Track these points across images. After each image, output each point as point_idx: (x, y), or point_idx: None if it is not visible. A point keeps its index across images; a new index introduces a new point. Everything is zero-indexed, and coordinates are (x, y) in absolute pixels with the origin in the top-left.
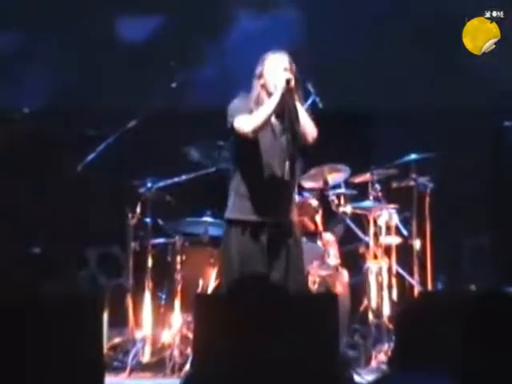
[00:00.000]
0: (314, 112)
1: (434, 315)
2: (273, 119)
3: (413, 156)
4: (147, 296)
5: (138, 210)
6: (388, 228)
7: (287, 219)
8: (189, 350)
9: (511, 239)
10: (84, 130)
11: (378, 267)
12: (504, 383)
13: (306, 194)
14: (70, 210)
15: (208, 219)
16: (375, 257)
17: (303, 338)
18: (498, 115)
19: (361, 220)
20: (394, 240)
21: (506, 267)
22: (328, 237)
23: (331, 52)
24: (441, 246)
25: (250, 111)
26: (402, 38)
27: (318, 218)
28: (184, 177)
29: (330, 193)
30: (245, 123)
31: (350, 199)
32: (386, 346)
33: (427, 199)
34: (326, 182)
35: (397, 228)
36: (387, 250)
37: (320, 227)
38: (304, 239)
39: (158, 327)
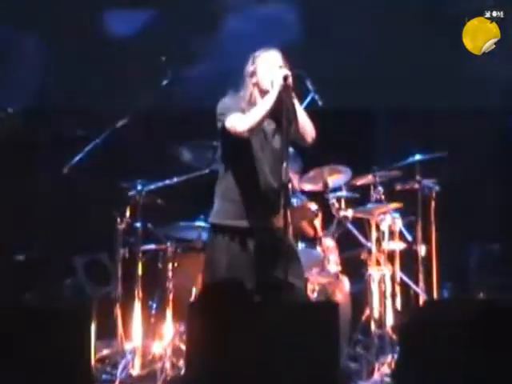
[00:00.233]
0: (313, 110)
1: (440, 325)
2: (268, 119)
3: (417, 157)
4: (137, 305)
5: (128, 214)
6: (391, 233)
7: (278, 224)
8: (181, 363)
9: None
10: (71, 129)
11: (381, 274)
12: None
13: (305, 198)
14: (55, 214)
15: (201, 224)
16: (378, 263)
17: (302, 349)
18: (506, 115)
19: (362, 224)
20: (398, 246)
21: None
22: (328, 242)
23: (331, 48)
24: (447, 251)
25: (242, 111)
26: (405, 33)
27: (318, 223)
28: (176, 179)
29: (330, 196)
30: (239, 122)
31: (351, 202)
32: (389, 358)
33: (432, 202)
34: (325, 185)
35: (400, 233)
36: (390, 257)
37: (319, 232)
38: (303, 245)
39: (149, 338)
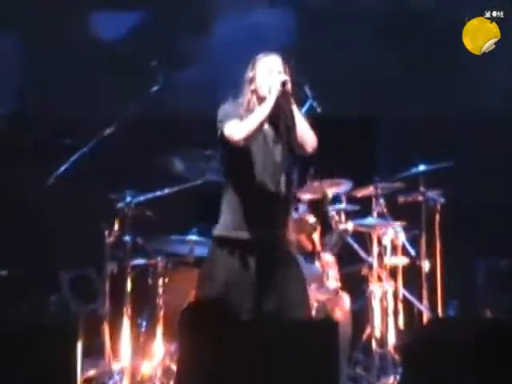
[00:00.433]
0: (311, 117)
1: (445, 345)
2: (265, 126)
3: (421, 167)
4: (126, 323)
5: (116, 227)
6: (394, 247)
7: (282, 238)
8: None
9: None
10: (56, 137)
11: (383, 291)
12: None
13: (303, 210)
14: (39, 226)
15: (194, 238)
16: (379, 279)
17: (300, 368)
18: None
19: (363, 238)
20: (401, 261)
21: None
22: (327, 257)
23: (331, 52)
24: (453, 267)
25: (241, 118)
26: (407, 39)
27: (316, 237)
28: (167, 190)
29: (330, 208)
30: (236, 130)
31: (352, 215)
32: (391, 379)
33: (437, 215)
34: (325, 197)
35: (403, 247)
36: (393, 272)
37: (318, 246)
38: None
39: (138, 358)
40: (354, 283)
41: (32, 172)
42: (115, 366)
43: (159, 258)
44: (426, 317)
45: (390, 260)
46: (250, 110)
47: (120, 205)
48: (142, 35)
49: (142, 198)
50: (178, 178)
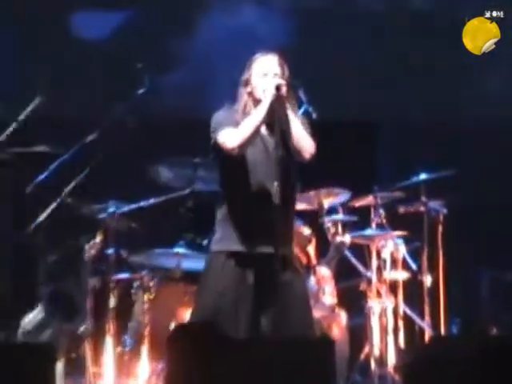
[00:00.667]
0: (310, 123)
1: (447, 364)
2: (264, 132)
3: (423, 176)
4: (109, 341)
5: (98, 239)
6: (394, 261)
7: (283, 251)
8: None
9: None
10: (34, 144)
11: (382, 307)
12: None
13: (297, 221)
14: (16, 238)
15: (181, 250)
16: (379, 295)
17: None
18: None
19: (362, 251)
20: (401, 275)
21: None
22: (323, 271)
23: (328, 54)
24: (456, 282)
25: (237, 124)
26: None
27: (311, 250)
28: (153, 200)
29: (326, 219)
30: (229, 137)
31: (349, 227)
32: None
33: (440, 227)
34: (320, 207)
35: (404, 261)
36: (393, 287)
37: (313, 260)
38: None
39: (122, 378)
40: (352, 299)
41: (10, 180)
42: None
43: (144, 273)
44: (427, 335)
45: (389, 274)
46: (246, 115)
47: (102, 215)
48: (127, 35)
49: (125, 209)
50: (164, 187)
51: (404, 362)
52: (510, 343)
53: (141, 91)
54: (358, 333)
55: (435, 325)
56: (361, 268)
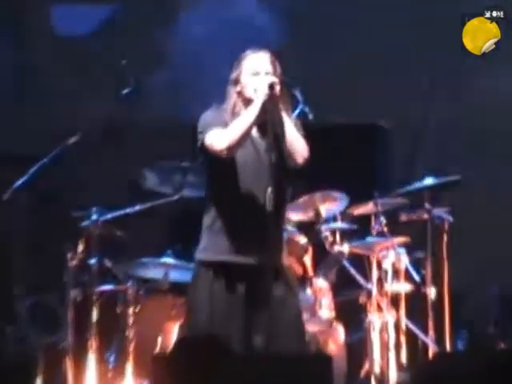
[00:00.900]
0: (305, 125)
1: (452, 382)
2: (255, 134)
3: (427, 181)
4: (91, 357)
5: (81, 248)
6: (395, 272)
7: (275, 261)
8: None
9: None
10: (12, 147)
11: (383, 322)
12: None
13: (292, 229)
14: None
15: (169, 260)
16: (379, 308)
17: None
18: None
19: (361, 262)
20: (404, 287)
21: None
22: (320, 283)
23: (323, 52)
24: (462, 294)
25: (226, 125)
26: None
27: (308, 260)
28: (138, 207)
29: (323, 227)
30: (218, 139)
31: (348, 235)
32: None
33: (445, 236)
34: (317, 214)
35: (407, 272)
36: (394, 300)
37: (310, 271)
38: None
39: None
40: (351, 313)
41: None
42: None
43: (129, 284)
44: (431, 351)
45: (391, 286)
46: (235, 115)
47: (85, 223)
48: (110, 31)
49: (109, 216)
50: (150, 193)
51: (406, 380)
52: None
53: (125, 91)
54: (358, 349)
55: (440, 340)
56: (360, 279)
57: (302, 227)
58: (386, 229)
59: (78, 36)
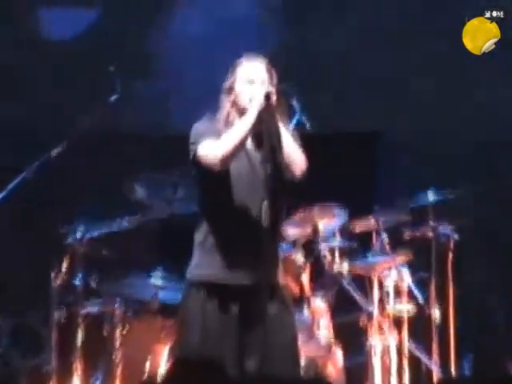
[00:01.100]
0: (302, 135)
1: None
2: (249, 145)
3: (431, 196)
4: (76, 382)
5: (65, 267)
6: (398, 292)
7: (270, 280)
8: None
9: None
10: None
11: (385, 345)
12: None
13: (289, 246)
14: None
15: (158, 280)
16: (381, 331)
17: None
18: None
19: (362, 281)
20: (406, 308)
21: None
22: (318, 304)
23: (323, 57)
24: (468, 316)
25: (219, 135)
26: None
27: (305, 279)
28: (126, 223)
29: (321, 245)
30: (211, 150)
31: (348, 253)
32: None
33: (450, 254)
34: (315, 230)
35: (410, 292)
36: (397, 322)
37: (307, 291)
38: None
39: None
40: (351, 335)
41: None
42: None
43: (117, 305)
44: (436, 376)
45: (393, 307)
46: (229, 125)
47: (70, 240)
48: (96, 35)
49: (96, 233)
50: (139, 207)
51: None
52: None
53: (113, 98)
54: (358, 374)
55: (444, 364)
56: (361, 300)
57: (300, 245)
58: (387, 247)
59: (64, 40)
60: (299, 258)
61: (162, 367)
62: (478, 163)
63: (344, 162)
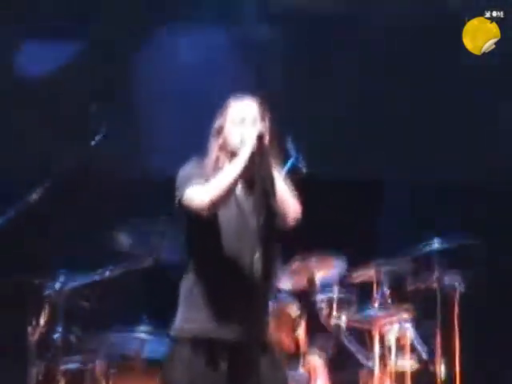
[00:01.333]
0: (295, 180)
1: None
2: (239, 192)
3: (436, 244)
4: None
5: (43, 320)
6: (400, 347)
7: (261, 336)
8: None
9: None
10: None
11: None
12: None
13: (283, 298)
14: None
15: (143, 333)
16: None
17: None
18: None
19: (362, 336)
20: (410, 365)
21: None
22: (315, 360)
23: (320, 99)
24: (475, 373)
25: (207, 180)
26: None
27: (300, 333)
28: (109, 272)
29: (318, 297)
30: (198, 194)
31: (347, 306)
32: None
33: (456, 307)
34: (311, 282)
35: (413, 348)
36: (399, 379)
37: (303, 346)
38: None
39: None
40: None
41: None
42: None
43: (98, 360)
44: None
45: (395, 364)
46: (218, 170)
47: (48, 291)
48: (77, 70)
49: (76, 283)
50: (123, 256)
51: None
52: None
53: (96, 139)
54: None
55: None
56: (360, 356)
57: (295, 297)
58: (389, 300)
59: (41, 75)
60: (294, 310)
61: None
62: (486, 211)
63: (343, 208)
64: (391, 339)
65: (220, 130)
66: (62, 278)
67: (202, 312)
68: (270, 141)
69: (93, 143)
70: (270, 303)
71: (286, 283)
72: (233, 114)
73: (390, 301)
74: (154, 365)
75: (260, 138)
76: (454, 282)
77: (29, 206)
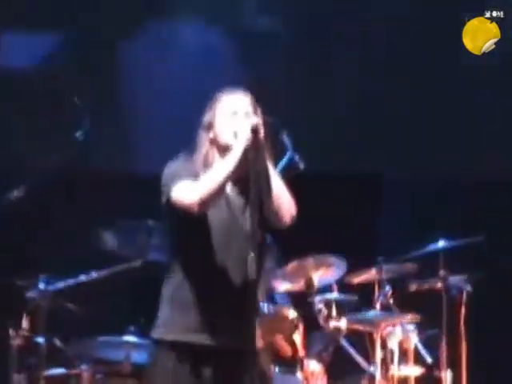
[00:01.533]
0: (291, 176)
1: None
2: (228, 189)
3: (441, 243)
4: None
5: (25, 324)
6: (403, 352)
7: (248, 344)
8: None
9: None
10: None
11: None
12: None
13: (280, 301)
14: None
15: (131, 339)
16: None
17: None
18: None
19: (363, 340)
20: (413, 370)
21: None
22: (313, 366)
23: (320, 99)
24: (483, 379)
25: (196, 177)
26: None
27: (298, 338)
28: (95, 274)
29: (317, 299)
30: (187, 191)
31: (347, 309)
32: None
33: (462, 309)
34: (309, 283)
35: (417, 352)
36: None
37: (300, 351)
38: (276, 369)
39: None
40: None
41: None
42: None
43: (84, 367)
44: None
45: (398, 369)
46: (208, 166)
47: (31, 294)
48: (60, 62)
49: (60, 285)
50: (109, 257)
51: None
52: None
53: (78, 135)
54: None
55: None
56: (361, 361)
57: (292, 299)
58: (391, 301)
59: (23, 68)
60: (292, 314)
61: None
62: (492, 208)
63: (344, 205)
64: (393, 343)
65: (210, 125)
66: (46, 280)
67: (187, 315)
68: (265, 135)
69: (77, 135)
70: (266, 306)
71: (282, 285)
72: (224, 108)
73: (392, 302)
74: (140, 370)
75: (255, 131)
76: (460, 282)
77: (10, 204)
